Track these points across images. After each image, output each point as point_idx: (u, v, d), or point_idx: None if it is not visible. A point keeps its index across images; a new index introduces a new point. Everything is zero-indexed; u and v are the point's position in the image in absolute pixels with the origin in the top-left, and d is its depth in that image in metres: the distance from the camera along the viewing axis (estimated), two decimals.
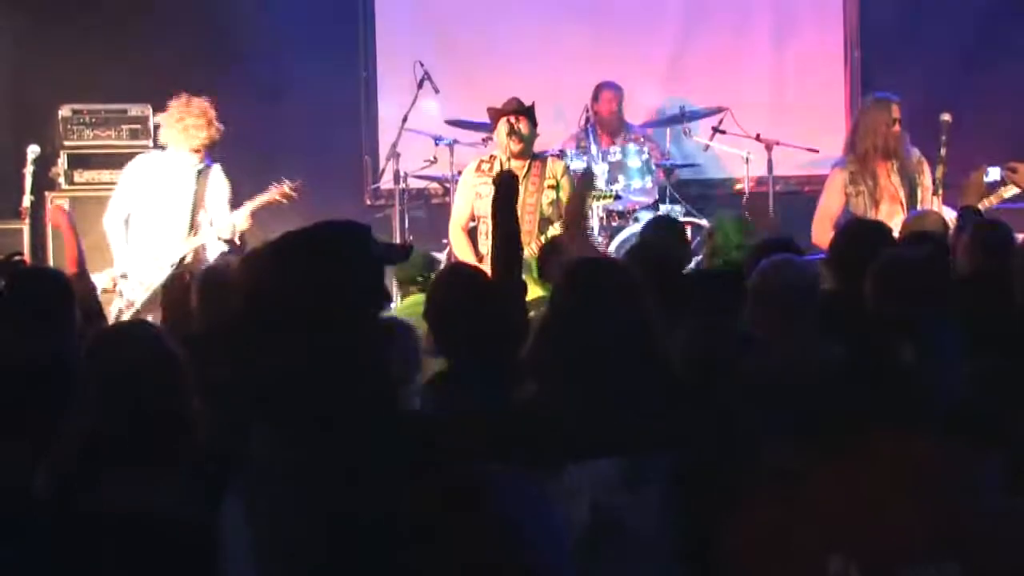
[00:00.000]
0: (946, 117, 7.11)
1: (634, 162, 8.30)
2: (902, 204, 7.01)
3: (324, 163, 9.01)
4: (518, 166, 7.12)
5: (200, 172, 7.26)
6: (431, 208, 9.00)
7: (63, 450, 3.00)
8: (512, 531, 1.87)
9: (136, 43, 8.80)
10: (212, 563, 2.68)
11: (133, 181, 7.28)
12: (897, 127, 7.04)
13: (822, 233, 6.93)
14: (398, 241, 7.95)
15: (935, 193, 6.99)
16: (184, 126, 7.08)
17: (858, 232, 4.71)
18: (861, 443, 2.22)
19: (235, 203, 7.37)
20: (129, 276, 7.13)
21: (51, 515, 2.88)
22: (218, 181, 7.35)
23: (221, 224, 7.23)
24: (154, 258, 7.10)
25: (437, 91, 8.18)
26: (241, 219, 7.19)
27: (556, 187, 7.17)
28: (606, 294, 2.96)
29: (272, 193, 7.26)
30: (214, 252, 7.06)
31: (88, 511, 2.86)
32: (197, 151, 7.18)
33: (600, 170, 7.88)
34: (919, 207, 6.97)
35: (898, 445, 2.19)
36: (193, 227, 7.19)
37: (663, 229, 5.65)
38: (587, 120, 8.30)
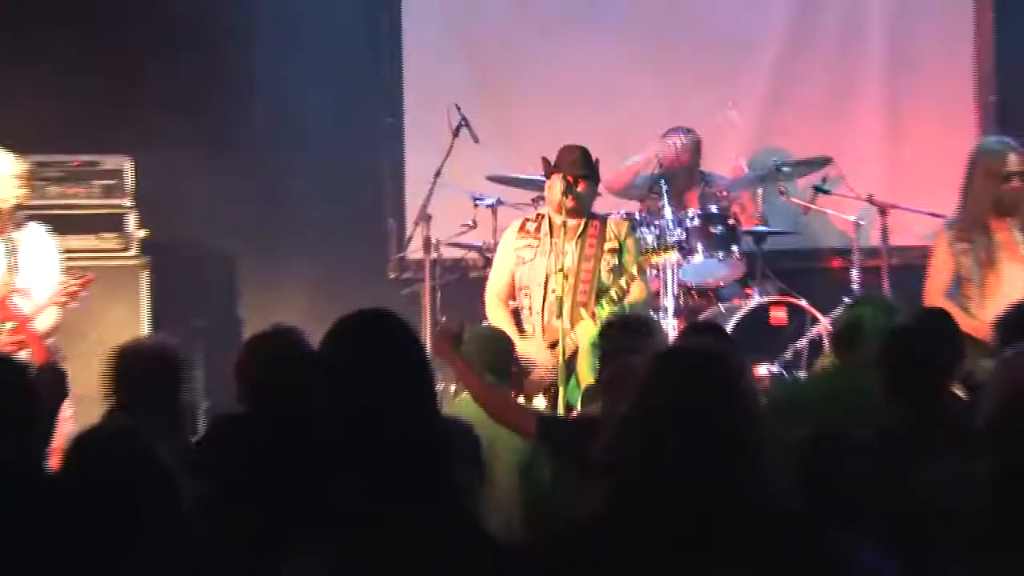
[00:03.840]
0: None
1: (717, 228, 7.83)
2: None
3: (339, 227, 8.79)
4: (572, 226, 6.92)
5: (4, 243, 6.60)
6: (468, 283, 8.37)
7: None
8: None
9: (114, 86, 8.40)
10: None
11: None
12: (1017, 182, 6.56)
13: (932, 299, 6.65)
14: (429, 322, 7.74)
15: None
16: None
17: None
18: None
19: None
20: None
21: None
22: (29, 246, 6.64)
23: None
24: None
25: (476, 140, 7.80)
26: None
27: (619, 250, 6.95)
28: (707, 388, 2.79)
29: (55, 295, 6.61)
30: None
31: None
32: None
33: (676, 236, 7.44)
34: None
35: None
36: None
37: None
38: (660, 175, 7.84)
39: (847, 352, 5.17)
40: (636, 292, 6.81)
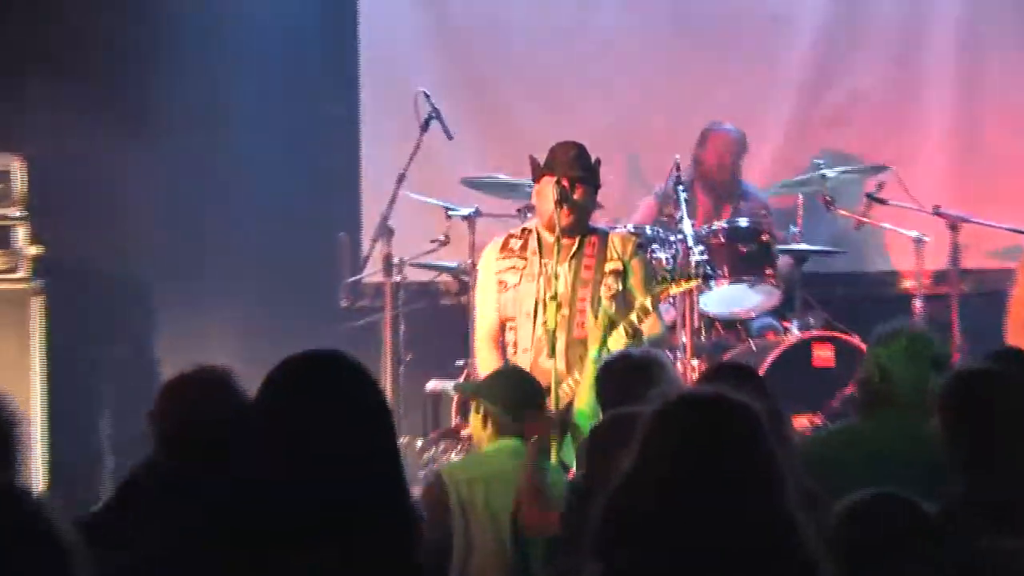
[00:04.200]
0: None
1: (747, 245, 7.47)
2: None
3: (278, 243, 8.28)
4: (567, 244, 6.50)
5: None
6: (439, 312, 8.15)
7: None
8: None
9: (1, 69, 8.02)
10: None
11: None
12: None
13: (1016, 334, 6.65)
14: (391, 361, 7.60)
15: None
16: None
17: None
18: None
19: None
20: None
21: None
22: None
23: None
24: None
25: (450, 136, 7.60)
26: None
27: (623, 272, 6.50)
28: (721, 443, 2.76)
29: None
30: None
31: None
32: None
33: (696, 254, 7.08)
34: None
35: None
36: None
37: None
38: (677, 179, 7.26)
39: (870, 398, 4.91)
40: (648, 328, 6.39)
